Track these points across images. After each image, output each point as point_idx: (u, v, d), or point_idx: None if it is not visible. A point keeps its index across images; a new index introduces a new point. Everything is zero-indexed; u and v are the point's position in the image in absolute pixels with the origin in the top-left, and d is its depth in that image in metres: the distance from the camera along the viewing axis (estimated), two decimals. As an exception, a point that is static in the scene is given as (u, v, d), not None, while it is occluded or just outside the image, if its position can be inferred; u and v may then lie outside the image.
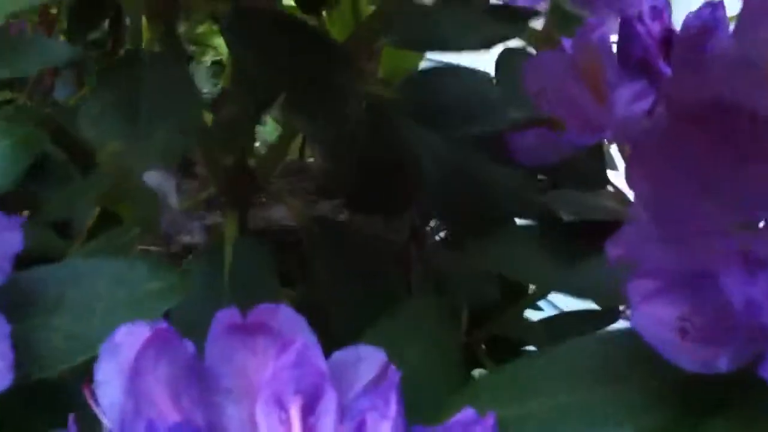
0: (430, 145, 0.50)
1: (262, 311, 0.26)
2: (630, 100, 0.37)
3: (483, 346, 0.56)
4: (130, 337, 0.23)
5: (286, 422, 0.24)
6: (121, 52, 0.93)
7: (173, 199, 0.30)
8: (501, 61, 0.48)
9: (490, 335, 0.55)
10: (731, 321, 0.23)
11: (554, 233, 0.36)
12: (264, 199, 0.47)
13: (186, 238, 0.32)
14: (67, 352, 0.28)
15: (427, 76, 0.39)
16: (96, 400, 0.25)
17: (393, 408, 0.23)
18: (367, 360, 0.27)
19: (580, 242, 0.34)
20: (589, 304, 0.66)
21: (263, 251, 0.39)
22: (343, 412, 0.25)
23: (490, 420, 0.25)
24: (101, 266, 0.30)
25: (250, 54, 0.31)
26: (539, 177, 0.43)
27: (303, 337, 0.26)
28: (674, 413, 0.27)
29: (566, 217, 0.37)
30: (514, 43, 0.52)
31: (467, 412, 0.25)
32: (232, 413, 0.26)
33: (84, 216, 0.56)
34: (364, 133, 0.32)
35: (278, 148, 0.41)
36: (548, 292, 0.48)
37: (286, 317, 0.26)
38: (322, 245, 0.40)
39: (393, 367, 0.24)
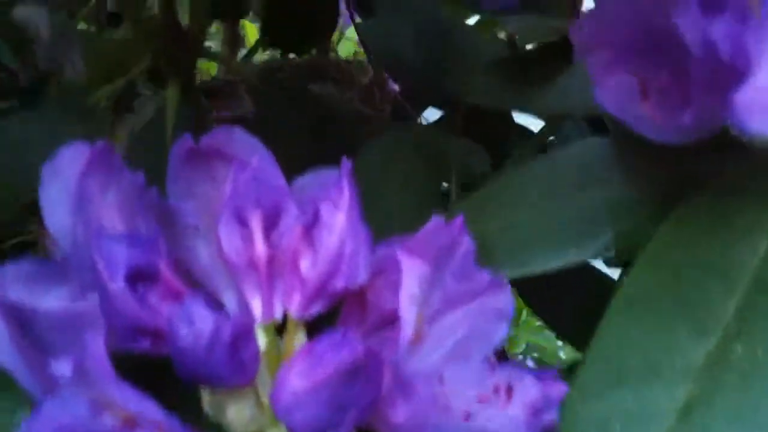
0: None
1: (215, 135, 0.25)
2: None
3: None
4: (71, 158, 0.22)
5: (248, 238, 0.23)
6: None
7: (45, 32, 0.29)
8: None
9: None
10: (691, 75, 0.22)
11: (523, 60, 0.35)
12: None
13: (66, 70, 0.31)
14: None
15: None
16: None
17: (346, 197, 0.22)
18: (330, 181, 0.26)
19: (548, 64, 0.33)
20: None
21: (207, 117, 0.37)
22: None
23: (458, 221, 0.23)
24: (31, 118, 0.30)
25: None
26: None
27: (260, 156, 0.25)
28: (652, 212, 0.27)
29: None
30: None
31: (435, 220, 0.24)
32: (202, 248, 0.25)
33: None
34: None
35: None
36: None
37: (241, 140, 0.25)
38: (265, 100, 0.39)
39: (346, 160, 0.23)
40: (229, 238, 0.23)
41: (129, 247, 0.21)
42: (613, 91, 0.23)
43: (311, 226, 0.22)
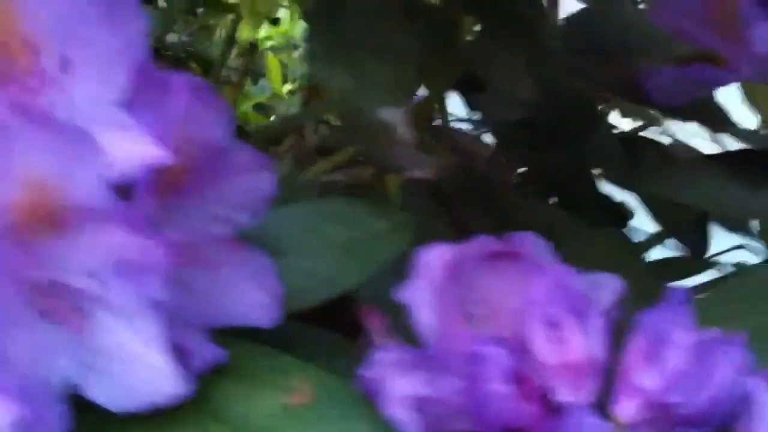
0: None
1: (512, 240, 0.27)
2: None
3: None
4: (437, 258, 0.24)
5: (559, 341, 0.25)
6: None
7: (405, 133, 0.31)
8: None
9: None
10: None
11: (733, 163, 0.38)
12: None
13: (417, 172, 0.33)
14: (311, 290, 0.29)
15: (589, 14, 0.40)
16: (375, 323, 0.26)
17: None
18: (606, 286, 0.28)
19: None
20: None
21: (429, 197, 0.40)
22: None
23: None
24: (324, 209, 0.31)
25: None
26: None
27: (556, 262, 0.27)
28: None
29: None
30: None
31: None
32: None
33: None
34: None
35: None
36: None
37: (535, 244, 0.27)
38: (468, 194, 0.41)
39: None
40: (539, 339, 0.25)
41: (504, 351, 0.22)
42: None
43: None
